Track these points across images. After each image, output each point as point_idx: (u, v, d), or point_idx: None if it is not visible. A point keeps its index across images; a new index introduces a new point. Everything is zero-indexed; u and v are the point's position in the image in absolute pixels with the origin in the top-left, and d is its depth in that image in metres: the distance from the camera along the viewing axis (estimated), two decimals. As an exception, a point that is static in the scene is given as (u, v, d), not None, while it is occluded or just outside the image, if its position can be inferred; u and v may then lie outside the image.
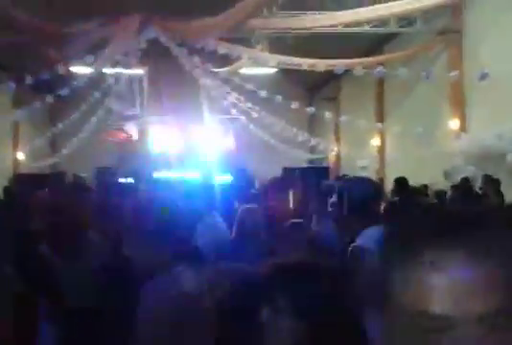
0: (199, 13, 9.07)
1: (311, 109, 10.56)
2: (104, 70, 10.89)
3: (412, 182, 8.11)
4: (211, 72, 10.76)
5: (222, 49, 9.20)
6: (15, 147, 16.77)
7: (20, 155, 16.61)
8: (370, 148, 14.74)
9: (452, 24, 9.95)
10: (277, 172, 16.24)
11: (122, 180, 11.73)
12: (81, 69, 10.16)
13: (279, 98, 9.86)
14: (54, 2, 8.03)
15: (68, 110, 13.50)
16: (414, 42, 11.09)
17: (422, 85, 10.80)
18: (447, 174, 10.22)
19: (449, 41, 9.87)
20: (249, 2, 7.00)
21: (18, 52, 9.29)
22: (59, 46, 8.38)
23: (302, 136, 13.64)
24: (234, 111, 13.57)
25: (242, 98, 12.27)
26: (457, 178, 8.41)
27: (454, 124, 10.25)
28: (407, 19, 10.41)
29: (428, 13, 9.77)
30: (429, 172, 10.97)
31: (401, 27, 10.64)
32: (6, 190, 11.28)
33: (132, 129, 14.02)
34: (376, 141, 14.54)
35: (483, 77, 7.33)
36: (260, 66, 11.52)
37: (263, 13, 9.91)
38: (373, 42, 13.08)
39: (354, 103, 16.25)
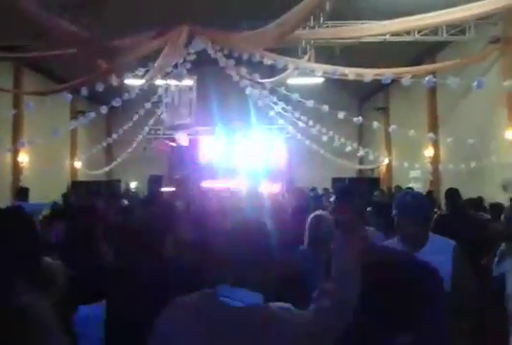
0: (247, 27, 9.20)
1: (358, 119, 10.38)
2: (155, 81, 11.24)
3: (468, 195, 7.79)
4: (258, 82, 10.84)
5: (269, 60, 9.24)
6: (73, 156, 17.58)
7: (78, 164, 17.37)
8: (423, 158, 14.33)
9: (505, 32, 9.56)
10: (327, 182, 16.14)
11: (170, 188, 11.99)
12: (134, 81, 10.52)
13: (326, 107, 9.74)
14: (102, 16, 8.40)
15: (122, 121, 14.01)
16: (467, 50, 10.74)
17: (476, 95, 10.40)
18: (505, 187, 9.77)
19: (502, 49, 9.46)
20: (295, 14, 7.01)
21: (73, 64, 9.75)
22: (110, 59, 8.72)
23: (351, 146, 13.42)
24: (281, 121, 13.59)
25: (289, 108, 12.28)
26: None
27: (511, 134, 9.80)
28: (458, 27, 10.10)
29: (480, 21, 9.43)
30: (485, 185, 10.53)
31: (452, 35, 10.34)
32: (64, 196, 11.87)
33: (182, 139, 14.32)
34: (429, 152, 14.13)
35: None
36: (307, 76, 11.48)
37: (309, 24, 9.93)
38: (424, 51, 12.76)
39: (405, 113, 15.89)
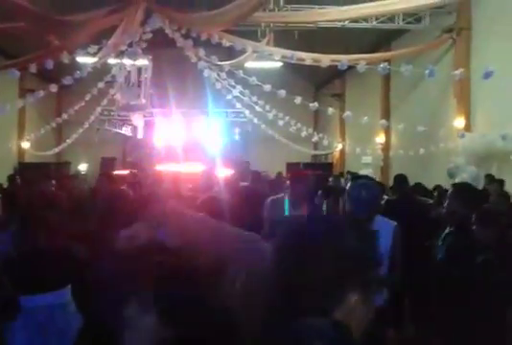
0: (206, 7, 9.04)
1: (314, 105, 10.47)
2: (109, 60, 10.88)
3: (416, 180, 8.06)
4: (216, 65, 10.70)
5: (227, 41, 9.14)
6: (21, 136, 16.81)
7: (25, 144, 16.65)
8: (374, 145, 14.66)
9: (459, 21, 9.85)
10: (281, 166, 16.26)
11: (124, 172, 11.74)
12: (86, 59, 10.15)
13: (283, 92, 9.76)
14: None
15: (73, 100, 13.51)
16: (422, 39, 10.99)
17: (428, 83, 10.70)
18: (450, 173, 10.16)
19: (456, 39, 9.77)
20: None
21: (22, 40, 9.29)
22: (63, 35, 8.36)
23: (306, 131, 13.57)
24: (238, 105, 13.52)
25: (246, 91, 12.22)
26: (461, 177, 8.33)
27: (459, 122, 10.16)
28: (414, 15, 10.32)
29: (435, 10, 9.67)
30: (433, 171, 10.91)
31: (408, 23, 10.57)
32: (10, 178, 11.37)
33: (138, 120, 13.99)
34: (380, 138, 14.47)
35: (488, 75, 7.21)
36: (265, 60, 11.44)
37: (269, 6, 9.86)
38: (380, 38, 12.98)
39: (359, 100, 16.16)
